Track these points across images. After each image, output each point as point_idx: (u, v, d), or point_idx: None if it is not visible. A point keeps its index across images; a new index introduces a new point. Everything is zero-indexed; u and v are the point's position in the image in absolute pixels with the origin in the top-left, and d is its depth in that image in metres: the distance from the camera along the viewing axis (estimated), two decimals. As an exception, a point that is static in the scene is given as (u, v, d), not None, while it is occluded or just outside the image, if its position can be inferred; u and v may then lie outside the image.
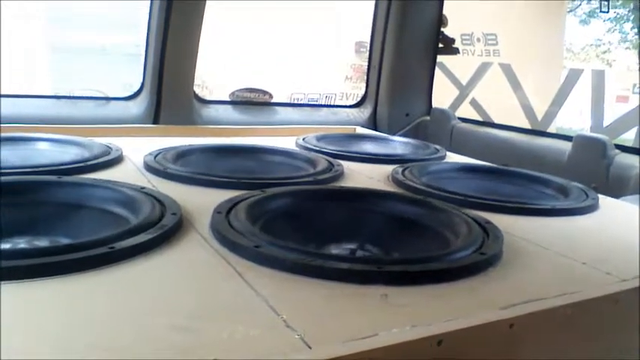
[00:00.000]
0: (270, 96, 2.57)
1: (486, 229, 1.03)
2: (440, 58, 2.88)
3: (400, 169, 1.51)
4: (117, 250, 0.83)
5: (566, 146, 2.11)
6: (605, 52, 9.36)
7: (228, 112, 2.45)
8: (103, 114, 2.15)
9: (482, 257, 0.90)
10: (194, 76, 2.28)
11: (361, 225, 1.06)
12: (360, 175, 1.53)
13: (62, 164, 1.33)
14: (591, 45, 9.58)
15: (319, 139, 1.94)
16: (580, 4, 8.88)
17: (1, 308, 0.66)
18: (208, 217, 1.01)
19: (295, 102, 4.01)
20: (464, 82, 5.33)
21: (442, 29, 2.80)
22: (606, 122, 5.57)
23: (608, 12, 8.61)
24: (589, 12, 9.08)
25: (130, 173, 1.37)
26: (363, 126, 2.66)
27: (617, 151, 1.98)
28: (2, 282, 0.72)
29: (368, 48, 2.87)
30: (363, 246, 0.93)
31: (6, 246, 0.90)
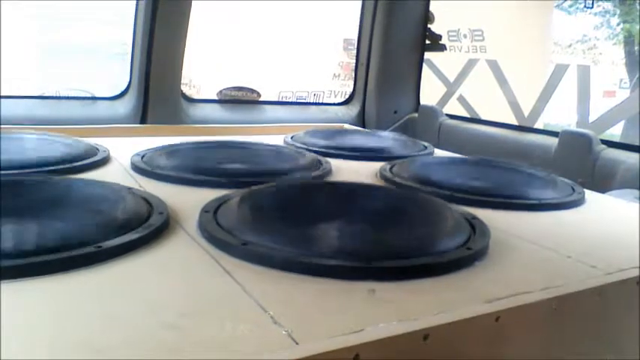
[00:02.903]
0: (258, 94, 2.57)
1: (473, 224, 1.04)
2: (427, 55, 2.89)
3: (388, 166, 1.52)
4: (104, 250, 0.83)
5: (553, 142, 2.13)
6: (590, 49, 9.43)
7: (216, 111, 2.45)
8: (89, 114, 2.14)
9: (469, 252, 0.91)
10: (181, 75, 2.27)
11: (348, 220, 1.06)
12: (348, 173, 1.54)
13: (48, 165, 1.32)
14: (578, 42, 9.65)
15: (307, 137, 1.95)
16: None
17: (0, 309, 0.66)
18: (196, 216, 1.01)
19: (283, 100, 4.01)
20: (451, 79, 5.35)
21: (429, 26, 2.81)
22: (593, 117, 5.60)
23: (592, 7, 8.68)
24: (574, 5, 9.15)
25: (118, 174, 1.36)
26: (351, 123, 2.67)
27: (603, 146, 2.00)
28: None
29: (355, 45, 2.88)
30: (351, 242, 0.94)
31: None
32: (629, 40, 8.96)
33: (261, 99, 2.58)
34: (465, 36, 6.57)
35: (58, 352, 0.60)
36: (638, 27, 8.50)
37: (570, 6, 9.20)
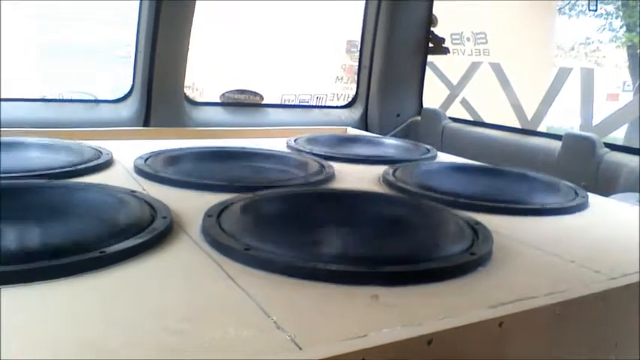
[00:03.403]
0: (261, 97, 2.57)
1: (476, 229, 1.04)
2: (430, 58, 2.89)
3: (391, 170, 1.52)
4: (107, 255, 0.83)
5: (556, 145, 2.12)
6: (594, 51, 9.43)
7: (218, 114, 2.45)
8: (92, 117, 2.15)
9: (472, 257, 0.90)
10: (184, 77, 2.28)
11: (352, 226, 1.06)
12: (351, 177, 1.54)
13: (51, 168, 1.33)
14: (581, 44, 9.65)
15: (310, 140, 1.95)
16: (569, 2, 8.95)
17: (1, 311, 0.66)
18: (199, 221, 1.01)
19: (286, 103, 4.02)
20: (454, 82, 5.36)
21: (432, 29, 2.81)
22: (596, 120, 5.60)
23: (596, 10, 8.69)
24: (573, 6, 9.15)
25: (121, 177, 1.36)
26: (354, 126, 2.67)
27: (606, 149, 2.00)
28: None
29: (358, 48, 2.88)
30: (354, 247, 0.94)
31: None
32: (631, 44, 8.95)
33: (263, 102, 2.58)
34: (468, 39, 6.58)
35: (62, 355, 0.60)
36: (638, 35, 8.50)
37: (571, 9, 9.20)
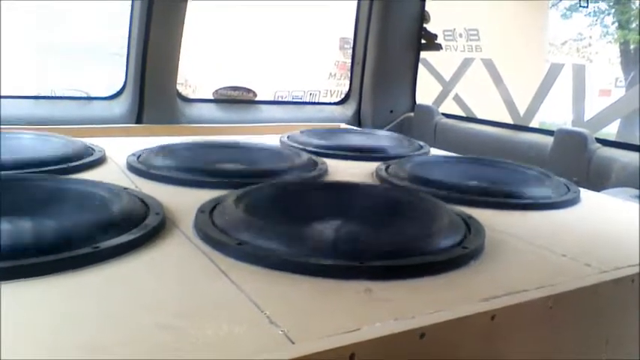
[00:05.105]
0: (254, 94, 2.57)
1: (468, 223, 1.04)
2: (423, 54, 2.89)
3: (384, 166, 1.52)
4: (100, 250, 0.83)
5: (548, 140, 2.13)
6: (585, 47, 9.46)
7: (211, 111, 2.45)
8: (85, 114, 2.14)
9: (465, 251, 0.91)
10: (177, 74, 2.27)
11: (344, 220, 1.06)
12: (345, 173, 1.54)
13: (44, 165, 1.32)
14: (575, 40, 9.67)
15: (303, 136, 1.94)
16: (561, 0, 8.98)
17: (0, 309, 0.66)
18: (192, 217, 1.01)
19: (279, 99, 4.02)
20: (447, 78, 5.37)
21: (424, 25, 2.81)
22: (588, 116, 5.62)
23: (587, 7, 8.73)
24: (569, 7, 9.18)
25: (113, 174, 1.36)
26: (347, 123, 2.67)
27: (598, 144, 2.01)
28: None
29: (351, 44, 2.88)
30: (346, 241, 0.94)
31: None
32: (624, 41, 8.99)
33: (257, 98, 2.58)
34: (460, 35, 6.59)
35: (55, 353, 0.60)
36: (631, 32, 8.53)
37: (568, 9, 9.22)
